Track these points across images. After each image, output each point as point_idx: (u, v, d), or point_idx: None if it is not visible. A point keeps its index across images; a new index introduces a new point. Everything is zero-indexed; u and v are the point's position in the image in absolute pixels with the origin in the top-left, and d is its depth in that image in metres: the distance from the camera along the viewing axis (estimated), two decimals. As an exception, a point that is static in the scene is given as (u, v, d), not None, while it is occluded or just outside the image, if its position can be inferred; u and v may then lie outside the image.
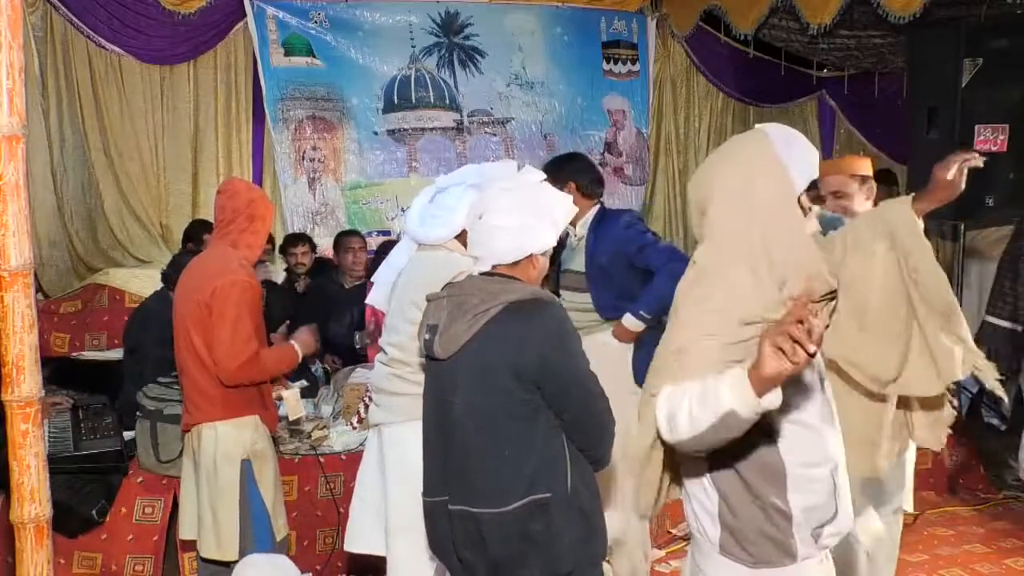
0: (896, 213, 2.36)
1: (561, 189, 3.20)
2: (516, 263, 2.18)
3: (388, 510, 2.81)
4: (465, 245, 2.77)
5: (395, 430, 2.81)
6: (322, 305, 4.87)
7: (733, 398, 1.55)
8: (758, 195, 1.83)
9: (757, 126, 1.96)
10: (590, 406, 2.14)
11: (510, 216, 2.16)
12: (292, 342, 3.21)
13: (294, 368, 3.27)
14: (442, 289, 2.23)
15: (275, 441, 3.50)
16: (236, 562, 2.94)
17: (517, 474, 2.09)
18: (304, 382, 3.35)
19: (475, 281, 2.18)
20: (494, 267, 2.19)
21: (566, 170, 3.42)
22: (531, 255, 2.19)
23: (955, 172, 2.32)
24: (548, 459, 2.11)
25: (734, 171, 1.87)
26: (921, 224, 2.38)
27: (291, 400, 3.31)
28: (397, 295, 2.86)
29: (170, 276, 4.11)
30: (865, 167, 3.23)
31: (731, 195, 1.85)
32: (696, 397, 1.62)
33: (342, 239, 5.22)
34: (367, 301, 3.02)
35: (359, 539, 2.97)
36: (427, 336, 2.19)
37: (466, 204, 2.72)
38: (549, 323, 2.11)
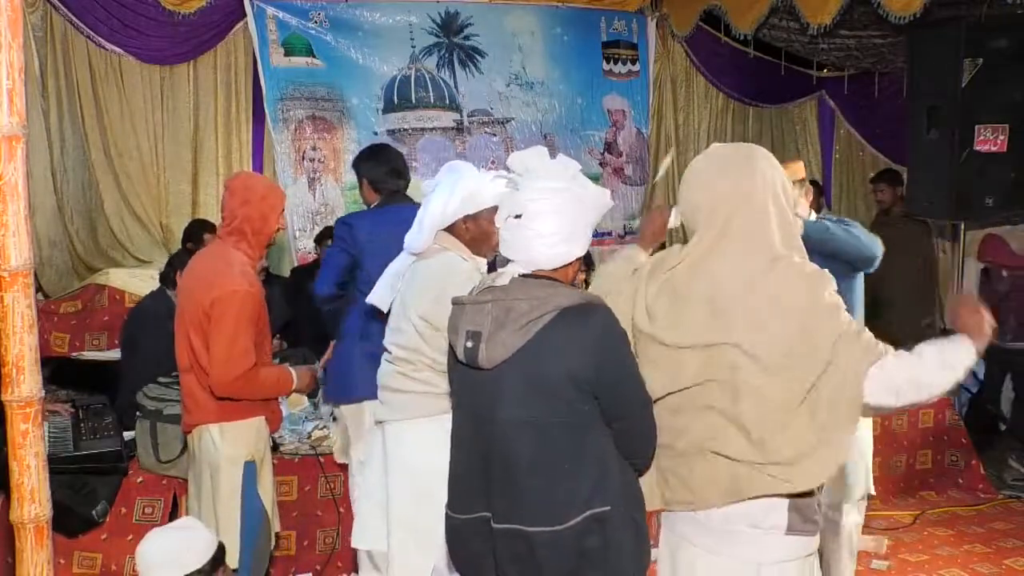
0: None
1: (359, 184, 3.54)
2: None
3: (388, 505, 2.81)
4: (462, 240, 2.75)
5: (397, 427, 2.80)
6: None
7: (971, 356, 2.00)
8: (787, 197, 2.05)
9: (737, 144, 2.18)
10: (643, 413, 2.05)
11: (552, 222, 2.02)
12: (292, 371, 3.14)
13: (285, 394, 3.21)
14: (482, 292, 2.07)
15: (275, 442, 3.51)
16: (236, 570, 2.94)
17: (575, 489, 1.98)
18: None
19: (520, 285, 2.03)
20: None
21: (358, 166, 3.65)
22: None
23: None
24: (603, 470, 2.00)
25: (769, 176, 2.03)
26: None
27: (295, 392, 3.30)
28: (399, 299, 2.84)
29: (167, 275, 4.11)
30: (800, 171, 3.33)
31: (776, 195, 2.02)
32: (938, 360, 1.98)
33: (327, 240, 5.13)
34: (367, 300, 3.01)
35: (365, 535, 2.96)
36: (469, 344, 2.02)
37: (436, 202, 2.70)
38: (604, 329, 1.98)
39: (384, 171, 3.56)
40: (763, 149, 2.10)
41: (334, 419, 3.87)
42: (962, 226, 5.46)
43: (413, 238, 2.79)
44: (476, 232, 2.75)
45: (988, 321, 2.02)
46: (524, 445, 2.00)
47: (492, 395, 2.03)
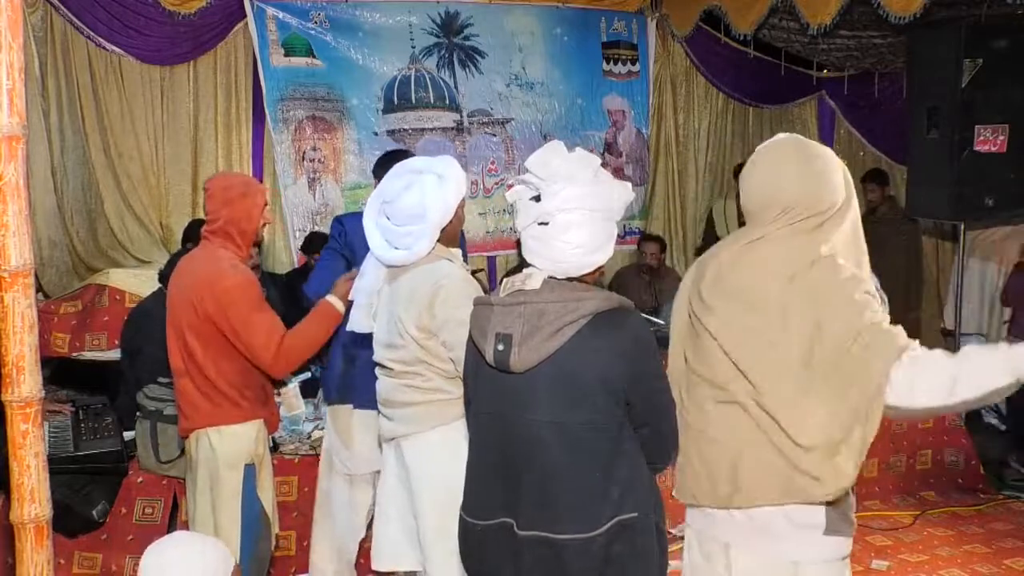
0: None
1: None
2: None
3: (421, 520, 2.70)
4: (447, 243, 2.69)
5: (417, 440, 2.70)
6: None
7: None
8: (848, 193, 2.07)
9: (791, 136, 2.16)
10: (669, 418, 2.05)
11: (583, 232, 1.98)
12: (327, 297, 3.04)
13: (338, 323, 3.05)
14: (511, 294, 2.02)
15: (274, 443, 3.50)
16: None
17: (605, 494, 1.96)
18: (308, 373, 3.30)
19: (551, 287, 2.00)
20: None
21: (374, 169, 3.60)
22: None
23: None
24: (632, 476, 1.99)
25: (837, 170, 2.07)
26: None
27: (289, 396, 3.27)
28: (385, 315, 2.74)
29: (167, 276, 4.10)
30: None
31: (840, 190, 2.04)
32: (985, 365, 1.80)
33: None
34: (348, 327, 2.87)
35: (387, 556, 2.86)
36: (500, 347, 1.97)
37: (433, 202, 2.61)
38: (637, 334, 1.98)
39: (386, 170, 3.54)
40: (832, 153, 2.12)
41: None
42: (962, 226, 5.46)
43: (409, 251, 2.66)
44: (456, 224, 2.72)
45: None
46: (555, 450, 1.97)
47: (522, 399, 1.99)
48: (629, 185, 2.12)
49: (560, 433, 1.97)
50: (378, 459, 3.19)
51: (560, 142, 2.10)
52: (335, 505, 3.44)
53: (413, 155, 3.68)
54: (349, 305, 2.92)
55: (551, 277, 2.01)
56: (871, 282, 1.97)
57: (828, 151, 2.09)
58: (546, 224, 1.99)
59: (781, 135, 2.17)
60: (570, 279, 2.02)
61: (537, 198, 2.03)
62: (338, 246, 3.42)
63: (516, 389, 2.00)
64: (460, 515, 2.16)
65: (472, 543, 2.13)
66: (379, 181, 3.49)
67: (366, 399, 3.08)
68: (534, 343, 1.94)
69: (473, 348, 2.11)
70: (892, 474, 4.78)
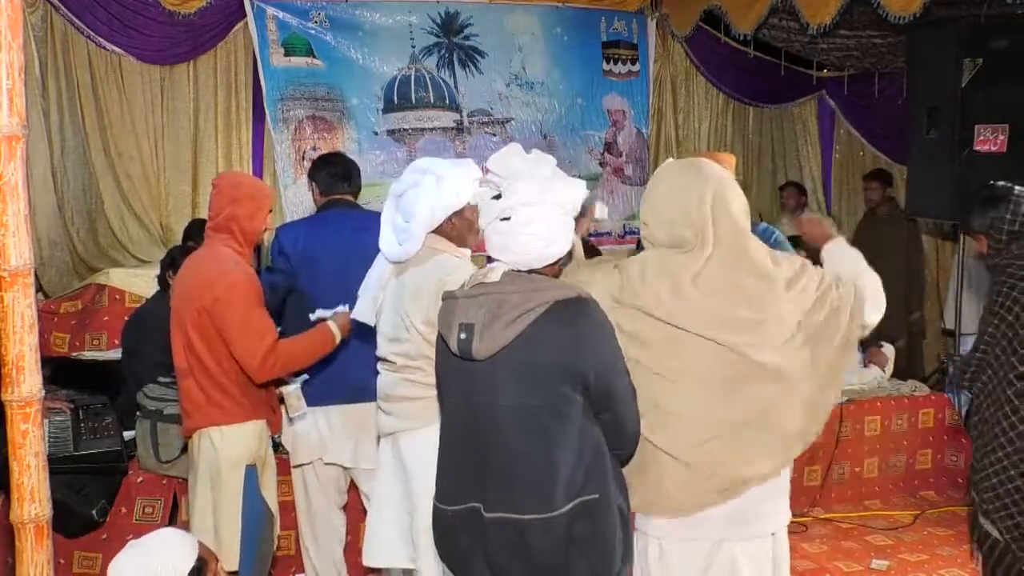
0: None
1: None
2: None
3: (416, 516, 2.72)
4: (448, 237, 2.73)
5: (414, 436, 2.73)
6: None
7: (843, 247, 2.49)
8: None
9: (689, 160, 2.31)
10: (629, 404, 2.11)
11: (544, 225, 2.08)
12: (329, 322, 3.05)
13: (328, 352, 3.06)
14: (474, 287, 2.12)
15: (275, 442, 3.49)
16: (236, 573, 2.92)
17: (566, 476, 2.03)
18: (306, 376, 3.31)
19: (512, 279, 2.10)
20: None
21: (312, 175, 3.61)
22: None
23: None
24: (593, 459, 2.05)
25: (734, 190, 2.22)
26: None
27: (291, 397, 3.28)
28: (391, 308, 2.78)
29: (162, 278, 4.12)
30: (731, 163, 3.40)
31: (741, 211, 2.20)
32: (853, 272, 2.37)
33: None
34: (352, 316, 2.92)
35: (379, 552, 2.88)
36: (463, 336, 2.06)
37: (424, 203, 2.67)
38: (594, 322, 2.05)
39: (324, 174, 3.53)
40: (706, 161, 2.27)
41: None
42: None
43: (401, 248, 2.73)
44: (462, 226, 2.75)
45: (828, 224, 2.48)
46: (517, 434, 2.05)
47: (486, 386, 2.08)
48: (583, 184, 2.23)
49: (521, 415, 2.05)
50: (319, 446, 3.40)
51: (518, 144, 2.25)
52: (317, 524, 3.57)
53: (345, 156, 3.72)
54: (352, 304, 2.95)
55: (512, 270, 2.11)
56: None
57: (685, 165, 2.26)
58: (508, 219, 2.10)
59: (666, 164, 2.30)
60: (531, 271, 2.11)
61: (498, 196, 2.15)
62: (281, 265, 3.47)
63: (480, 376, 2.08)
64: (433, 503, 2.22)
65: (443, 529, 2.19)
66: (316, 184, 3.55)
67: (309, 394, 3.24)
68: (494, 331, 2.03)
69: (440, 340, 2.19)
70: (892, 474, 4.78)
